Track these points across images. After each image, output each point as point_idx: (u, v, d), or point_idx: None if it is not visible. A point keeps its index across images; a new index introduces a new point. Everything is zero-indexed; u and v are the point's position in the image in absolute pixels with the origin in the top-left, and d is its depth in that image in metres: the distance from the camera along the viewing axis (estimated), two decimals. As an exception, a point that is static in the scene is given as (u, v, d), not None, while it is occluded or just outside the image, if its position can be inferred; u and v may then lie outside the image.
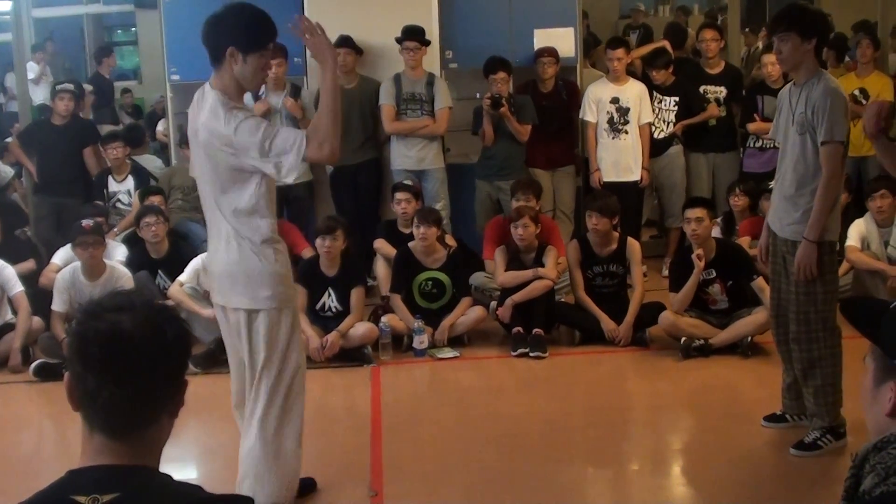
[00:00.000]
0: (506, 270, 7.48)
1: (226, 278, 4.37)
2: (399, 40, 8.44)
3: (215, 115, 4.15)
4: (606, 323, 7.22)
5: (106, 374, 1.85)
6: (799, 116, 5.04)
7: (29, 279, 7.68)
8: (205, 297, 7.06)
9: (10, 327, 7.32)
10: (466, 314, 7.38)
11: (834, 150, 4.96)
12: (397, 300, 7.40)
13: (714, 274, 7.03)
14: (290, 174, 4.14)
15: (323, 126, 4.12)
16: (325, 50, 4.22)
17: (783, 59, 5.19)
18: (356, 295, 7.18)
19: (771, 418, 5.62)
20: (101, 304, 1.91)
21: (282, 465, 4.48)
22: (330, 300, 7.23)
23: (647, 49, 9.83)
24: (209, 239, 4.52)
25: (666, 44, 9.81)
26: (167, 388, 1.93)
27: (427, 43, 8.48)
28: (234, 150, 4.12)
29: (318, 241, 7.19)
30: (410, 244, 7.54)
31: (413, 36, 8.41)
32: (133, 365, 1.86)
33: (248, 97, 8.31)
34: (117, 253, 7.78)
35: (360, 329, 7.09)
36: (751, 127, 8.93)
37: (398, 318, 7.31)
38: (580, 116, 8.86)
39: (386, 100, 8.49)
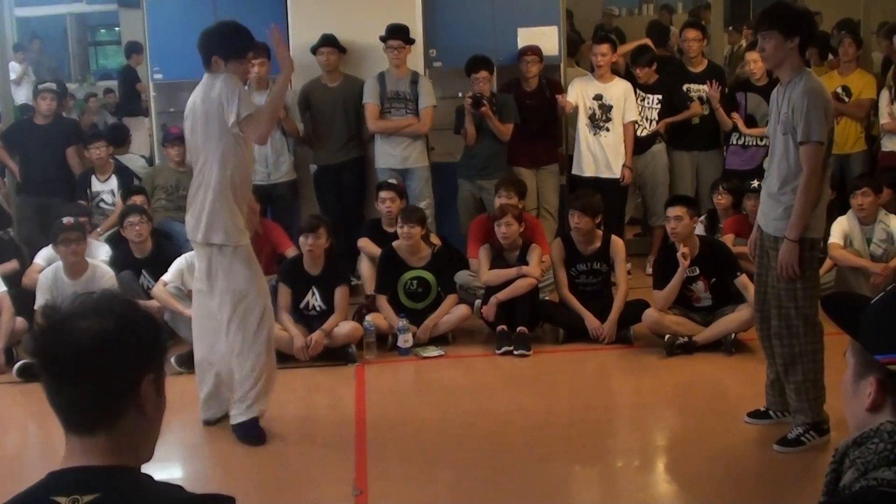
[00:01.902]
0: (490, 269, 7.48)
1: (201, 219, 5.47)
2: (383, 39, 8.43)
3: (211, 81, 5.32)
4: (590, 321, 7.24)
5: (63, 374, 1.87)
6: (783, 116, 5.10)
7: (12, 279, 7.65)
8: (188, 296, 7.06)
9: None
10: (451, 313, 7.38)
11: (812, 150, 5.00)
12: (383, 301, 7.40)
13: (697, 271, 7.05)
14: (235, 128, 5.27)
15: (262, 116, 5.33)
16: (284, 60, 5.48)
17: (766, 57, 5.27)
18: (340, 293, 7.17)
19: (754, 415, 5.65)
20: (55, 308, 1.92)
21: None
22: (314, 299, 7.22)
23: (629, 46, 9.84)
24: (191, 191, 5.59)
25: (647, 42, 9.82)
26: (130, 381, 1.91)
27: (411, 42, 8.47)
28: (218, 99, 5.24)
29: (302, 240, 7.19)
30: (395, 243, 7.53)
31: (397, 35, 8.40)
32: (90, 363, 1.86)
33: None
34: (100, 252, 7.76)
35: (344, 328, 7.08)
36: (726, 122, 8.89)
37: (383, 318, 7.31)
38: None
39: (370, 98, 8.48)
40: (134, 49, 13.50)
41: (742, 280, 6.86)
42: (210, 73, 5.41)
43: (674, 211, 7.06)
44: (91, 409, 1.89)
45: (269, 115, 5.39)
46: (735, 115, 8.82)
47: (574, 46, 10.55)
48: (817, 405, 5.27)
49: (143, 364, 1.94)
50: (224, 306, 5.57)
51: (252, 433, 5.66)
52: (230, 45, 5.40)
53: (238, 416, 5.68)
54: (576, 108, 8.69)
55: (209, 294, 5.65)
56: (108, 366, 1.88)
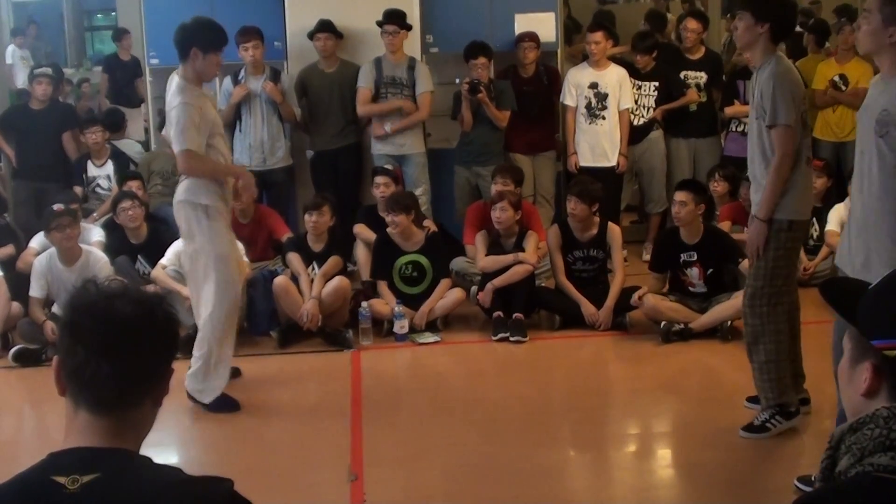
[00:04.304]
0: (486, 255, 7.49)
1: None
2: (380, 24, 8.40)
3: (174, 95, 5.64)
4: (587, 307, 7.24)
5: (96, 346, 1.89)
6: (755, 101, 5.12)
7: (8, 264, 7.63)
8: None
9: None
10: (445, 297, 7.38)
11: (781, 133, 4.99)
12: (384, 287, 7.42)
13: (695, 257, 7.05)
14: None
15: (206, 168, 5.71)
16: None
17: (737, 37, 5.36)
18: (331, 260, 7.31)
19: (754, 399, 5.65)
20: (95, 283, 1.97)
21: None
22: (314, 274, 7.29)
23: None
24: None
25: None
26: (154, 369, 1.97)
27: (408, 27, 8.44)
28: (168, 120, 5.76)
29: (306, 217, 7.38)
30: (388, 230, 7.54)
31: (393, 20, 8.37)
32: (123, 340, 1.90)
33: (227, 82, 8.32)
34: (94, 234, 7.74)
35: (330, 286, 7.18)
36: (728, 110, 8.97)
37: (383, 304, 7.32)
38: (560, 100, 8.85)
39: (363, 83, 8.45)
40: (119, 35, 13.31)
41: (745, 265, 6.84)
42: (184, 65, 5.68)
43: (679, 195, 7.06)
44: (122, 387, 1.92)
45: (207, 172, 5.73)
46: (737, 103, 8.83)
47: (570, 33, 10.52)
48: (779, 386, 5.26)
49: (169, 354, 2.02)
50: (199, 262, 5.83)
51: (224, 405, 5.92)
52: (210, 37, 5.71)
53: (202, 398, 5.92)
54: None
55: (186, 252, 5.99)
56: (143, 347, 1.93)
